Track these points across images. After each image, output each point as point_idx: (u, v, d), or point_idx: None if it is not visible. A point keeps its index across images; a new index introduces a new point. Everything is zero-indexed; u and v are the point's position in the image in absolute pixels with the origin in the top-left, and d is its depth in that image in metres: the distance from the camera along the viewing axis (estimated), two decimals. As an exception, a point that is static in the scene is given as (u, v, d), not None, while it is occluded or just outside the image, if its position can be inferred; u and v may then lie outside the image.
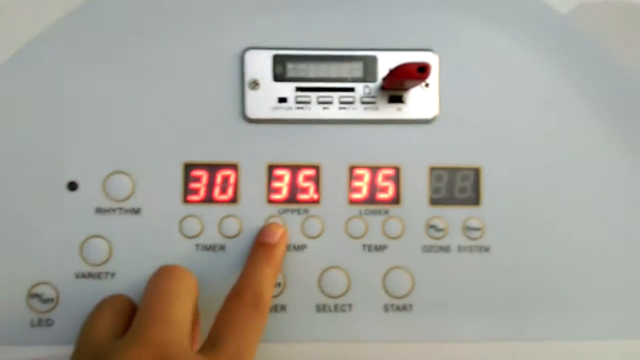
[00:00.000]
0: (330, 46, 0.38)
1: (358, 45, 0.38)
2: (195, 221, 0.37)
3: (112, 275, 0.37)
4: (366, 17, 0.38)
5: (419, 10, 0.38)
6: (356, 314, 0.38)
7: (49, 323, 0.36)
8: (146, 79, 0.37)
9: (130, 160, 0.37)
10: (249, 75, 0.37)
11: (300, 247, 0.38)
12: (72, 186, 0.37)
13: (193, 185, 0.37)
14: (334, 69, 0.38)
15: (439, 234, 0.38)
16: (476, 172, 0.38)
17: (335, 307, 0.38)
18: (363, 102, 0.38)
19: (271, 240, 0.36)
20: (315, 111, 0.38)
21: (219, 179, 0.37)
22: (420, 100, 0.38)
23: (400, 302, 0.38)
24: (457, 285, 0.38)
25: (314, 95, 0.38)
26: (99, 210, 0.37)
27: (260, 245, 0.36)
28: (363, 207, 0.38)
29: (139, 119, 0.37)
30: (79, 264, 0.37)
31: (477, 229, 0.38)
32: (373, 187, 0.38)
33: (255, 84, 0.37)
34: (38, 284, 0.36)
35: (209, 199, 0.37)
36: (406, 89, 0.38)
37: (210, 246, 0.37)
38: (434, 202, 0.38)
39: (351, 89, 0.38)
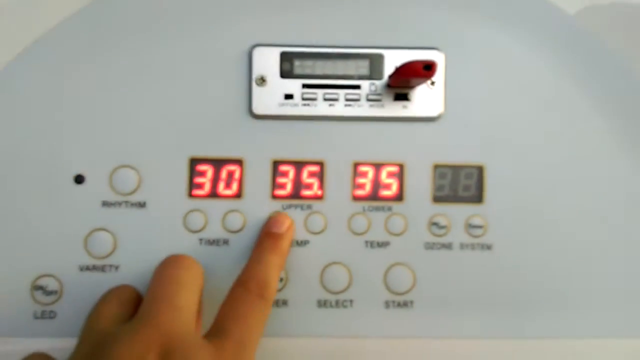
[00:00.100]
0: (337, 44, 0.38)
1: (365, 43, 0.38)
2: (200, 215, 0.37)
3: (116, 268, 0.37)
4: (373, 15, 0.38)
5: (425, 9, 0.39)
6: (357, 309, 0.38)
7: (52, 315, 0.36)
8: (155, 75, 0.37)
9: (137, 155, 0.37)
10: (256, 72, 0.37)
11: (303, 243, 0.38)
12: (79, 179, 0.37)
13: (198, 179, 0.37)
14: (340, 66, 0.38)
15: (442, 232, 0.38)
16: (480, 170, 0.38)
17: (337, 302, 0.38)
18: (369, 100, 0.38)
19: (279, 230, 0.36)
20: (321, 108, 0.38)
21: (224, 174, 0.38)
22: (426, 98, 0.38)
23: (401, 299, 0.38)
24: (459, 283, 0.38)
25: (320, 92, 0.38)
26: (105, 204, 0.37)
27: (268, 235, 0.36)
28: (366, 204, 0.38)
29: (146, 114, 0.37)
30: (84, 257, 0.37)
31: (480, 227, 0.38)
32: (377, 184, 0.38)
33: (262, 80, 0.38)
34: (42, 276, 0.36)
35: (213, 194, 0.37)
36: (412, 87, 0.38)
37: (214, 240, 0.37)
38: (437, 199, 0.38)
39: (357, 87, 0.38)
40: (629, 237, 0.39)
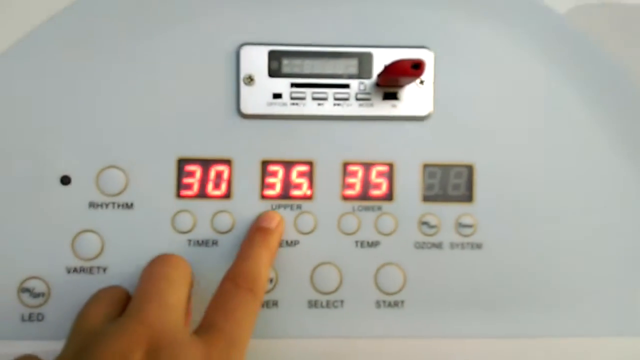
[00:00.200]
0: (325, 42, 0.38)
1: (353, 41, 0.38)
2: (188, 216, 0.37)
3: (104, 270, 0.37)
4: (362, 13, 0.38)
5: (414, 7, 0.38)
6: (348, 310, 0.38)
7: (40, 318, 0.36)
8: (141, 74, 0.37)
9: (124, 155, 0.37)
10: (244, 71, 0.37)
11: (292, 243, 0.38)
12: (65, 180, 0.36)
13: (186, 180, 0.37)
14: (329, 66, 0.38)
15: (432, 231, 0.38)
16: (469, 169, 0.38)
17: (327, 303, 0.38)
18: (358, 99, 0.38)
19: (269, 225, 0.36)
20: (309, 107, 0.38)
21: (212, 174, 0.37)
22: (415, 97, 0.38)
23: (392, 299, 0.38)
24: (449, 282, 0.38)
25: (308, 92, 0.38)
26: (91, 205, 0.36)
27: (258, 230, 0.36)
28: (356, 204, 0.38)
29: (133, 113, 0.37)
30: (71, 259, 0.36)
31: (470, 226, 0.38)
32: (366, 184, 0.38)
33: (250, 80, 0.37)
34: (29, 278, 0.36)
35: (202, 194, 0.37)
36: (401, 86, 0.38)
37: (202, 241, 0.37)
38: (426, 199, 0.38)
39: (346, 86, 0.38)
40: (622, 235, 0.39)
